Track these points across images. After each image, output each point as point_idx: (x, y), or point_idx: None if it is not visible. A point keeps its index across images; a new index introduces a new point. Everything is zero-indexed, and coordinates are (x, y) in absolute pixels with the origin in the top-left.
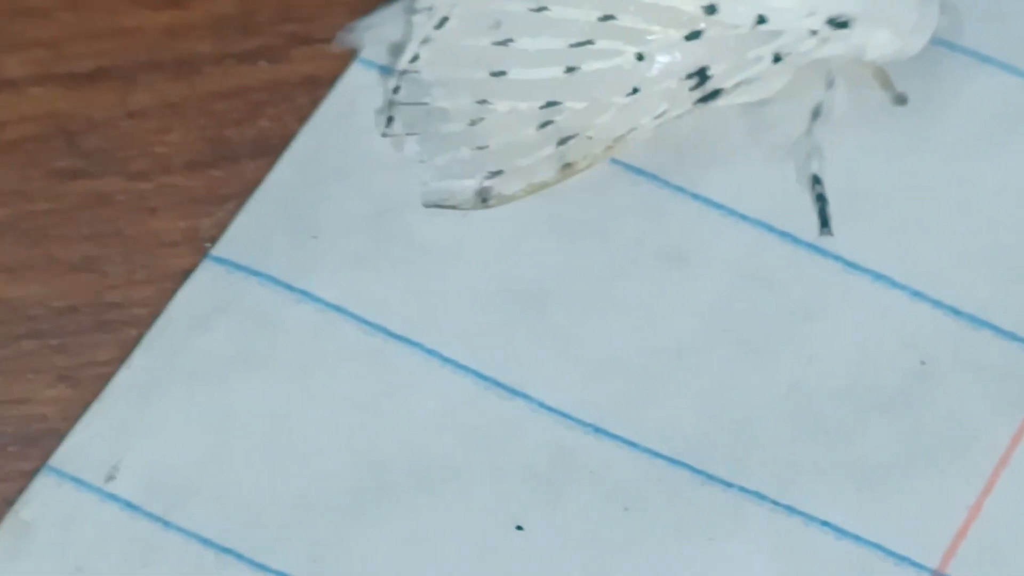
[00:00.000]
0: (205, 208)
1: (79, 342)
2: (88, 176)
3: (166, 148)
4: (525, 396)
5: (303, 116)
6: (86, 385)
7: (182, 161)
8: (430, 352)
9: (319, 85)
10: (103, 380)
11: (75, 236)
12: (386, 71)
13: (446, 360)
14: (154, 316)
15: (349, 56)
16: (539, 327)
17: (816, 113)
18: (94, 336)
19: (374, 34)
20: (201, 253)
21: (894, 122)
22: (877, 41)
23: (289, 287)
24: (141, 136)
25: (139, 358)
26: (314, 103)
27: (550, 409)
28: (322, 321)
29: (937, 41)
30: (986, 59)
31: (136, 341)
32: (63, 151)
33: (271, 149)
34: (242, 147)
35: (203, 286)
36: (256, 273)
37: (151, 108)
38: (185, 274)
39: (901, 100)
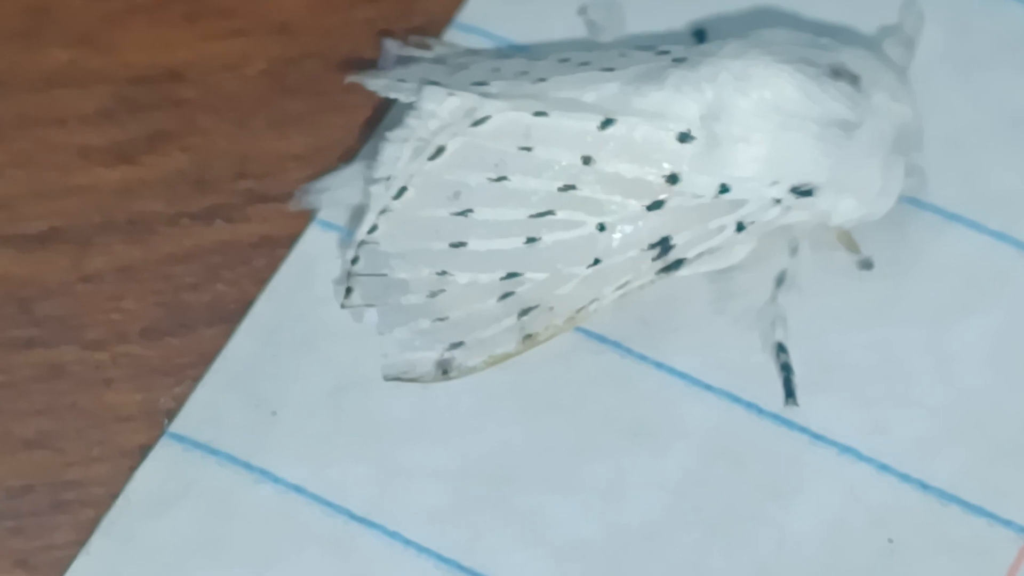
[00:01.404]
0: (162, 379)
1: (36, 524)
2: (42, 345)
3: (121, 315)
4: None
5: (260, 279)
6: (44, 570)
7: (138, 329)
8: (392, 534)
9: (276, 246)
10: (61, 564)
11: (29, 410)
12: (344, 233)
13: (408, 543)
14: (111, 496)
15: (306, 215)
16: (503, 506)
17: (780, 280)
18: (51, 518)
19: (331, 196)
20: (158, 428)
21: (861, 286)
22: (842, 207)
23: (248, 466)
24: (96, 303)
25: (97, 543)
26: (271, 265)
27: None
28: (282, 503)
29: (904, 199)
30: (953, 217)
31: (94, 523)
32: (15, 319)
33: (228, 315)
34: (199, 313)
35: (161, 466)
36: (214, 452)
37: (105, 272)
38: (142, 450)
39: (867, 265)
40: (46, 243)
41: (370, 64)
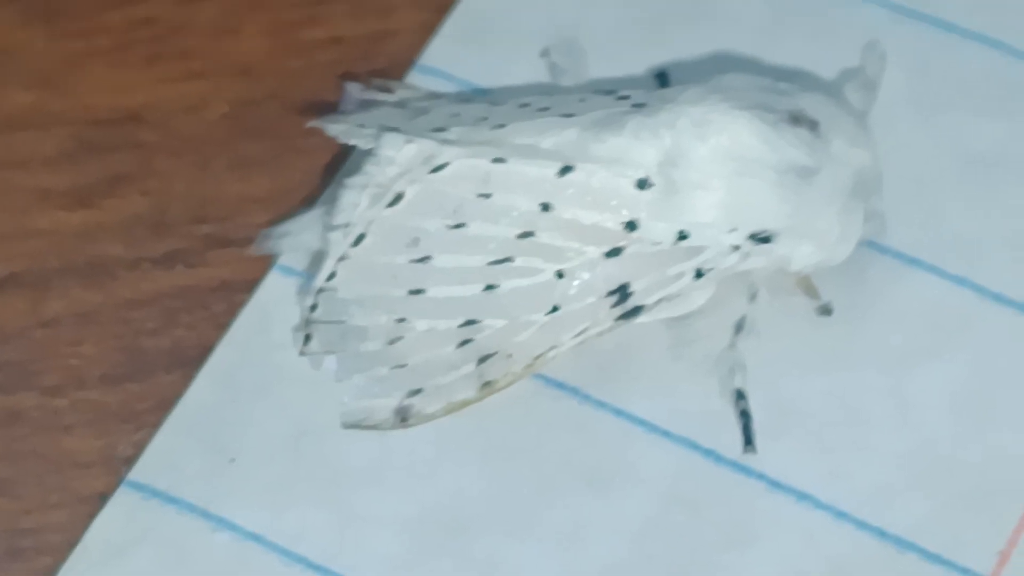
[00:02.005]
0: (120, 425)
1: None
2: (0, 392)
3: (80, 361)
4: None
5: (220, 325)
6: None
7: (97, 374)
8: None
9: (236, 291)
10: None
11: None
12: (304, 278)
13: None
14: (69, 543)
15: (266, 260)
16: (461, 554)
17: (739, 326)
18: (7, 565)
19: (291, 241)
20: (116, 474)
21: (820, 332)
22: (800, 253)
23: (206, 514)
24: (54, 348)
25: None
26: (230, 311)
27: None
28: (240, 551)
29: (864, 243)
30: (913, 261)
31: (51, 570)
32: None
33: (188, 361)
34: (158, 359)
35: (119, 513)
36: (173, 500)
37: (64, 317)
38: (101, 497)
39: (826, 311)
40: (4, 287)
41: (331, 107)
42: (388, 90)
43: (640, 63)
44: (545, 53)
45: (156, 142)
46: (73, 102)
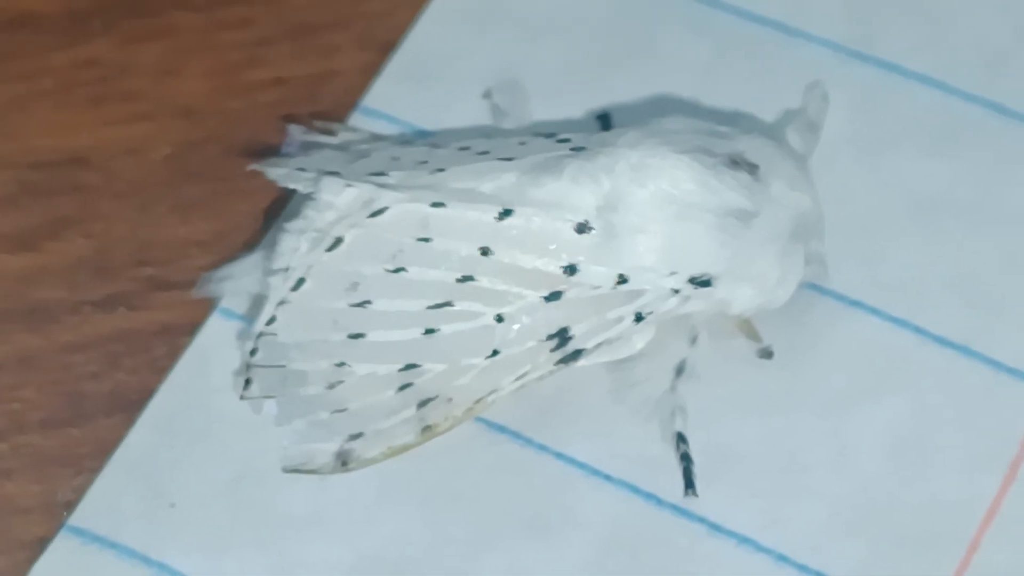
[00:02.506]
0: (60, 470)
1: None
2: None
3: (21, 405)
4: None
5: (160, 368)
6: None
7: (37, 419)
8: None
9: (177, 334)
10: None
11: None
12: (244, 322)
13: None
14: None
15: (207, 303)
16: None
17: (679, 370)
18: None
19: (233, 284)
20: (56, 519)
21: (761, 375)
22: (740, 296)
23: (146, 560)
24: None
25: None
26: (172, 354)
27: None
28: None
29: (805, 285)
30: (855, 303)
31: None
32: None
33: (128, 405)
34: (99, 403)
35: (59, 559)
36: (112, 545)
37: (5, 362)
38: (40, 542)
39: (767, 354)
40: None
41: (273, 149)
42: (330, 132)
43: (582, 105)
44: (487, 95)
45: (99, 185)
46: (16, 145)
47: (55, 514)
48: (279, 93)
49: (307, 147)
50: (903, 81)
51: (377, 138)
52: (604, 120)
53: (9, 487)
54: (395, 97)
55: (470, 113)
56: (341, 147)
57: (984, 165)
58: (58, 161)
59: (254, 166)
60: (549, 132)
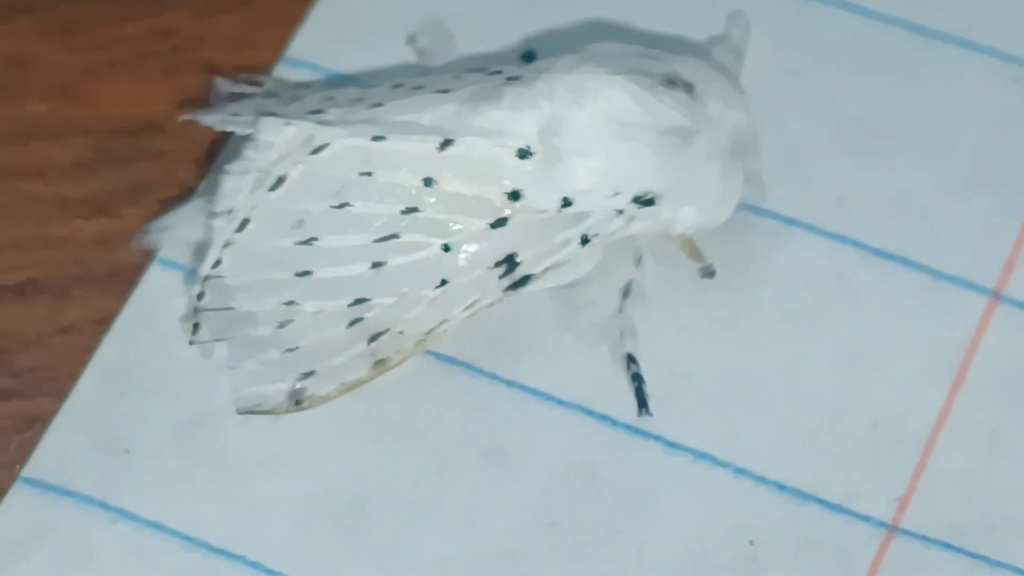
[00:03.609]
0: None
1: None
2: (19, 397)
3: None
4: None
5: None
6: None
7: None
8: (254, 565)
9: None
10: None
11: (6, 461)
12: (186, 270)
13: (271, 572)
14: None
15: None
16: (365, 533)
17: (626, 292)
18: None
19: (171, 234)
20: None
21: (705, 295)
22: (683, 215)
23: (104, 506)
24: (73, 354)
25: None
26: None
27: None
28: (140, 540)
29: (743, 206)
30: (792, 221)
31: None
32: None
33: None
34: None
35: (15, 511)
36: (69, 493)
37: (82, 324)
38: None
39: (709, 273)
40: (23, 294)
41: (204, 103)
42: (256, 83)
43: (506, 41)
44: (412, 39)
45: (174, 152)
46: (91, 112)
47: None
48: None
49: (234, 98)
50: (822, 8)
51: (304, 86)
52: (528, 57)
53: None
54: (318, 46)
55: (395, 58)
56: (270, 94)
57: (907, 85)
58: (133, 128)
59: (185, 116)
60: (479, 67)
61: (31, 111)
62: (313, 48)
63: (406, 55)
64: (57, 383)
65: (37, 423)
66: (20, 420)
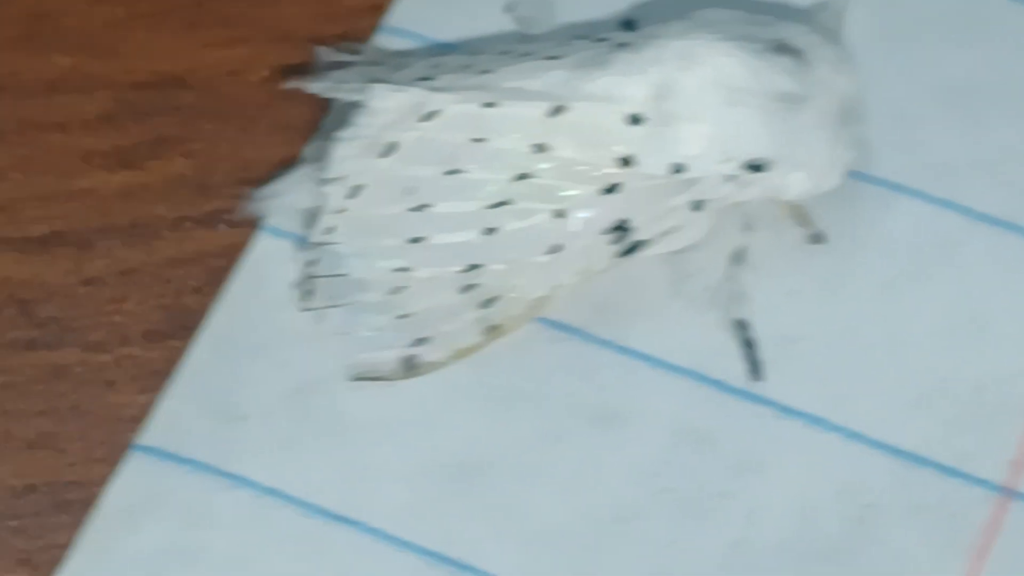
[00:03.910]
0: (164, 381)
1: (38, 524)
2: (44, 347)
3: (123, 317)
4: (473, 570)
5: None
6: (45, 569)
7: (140, 331)
8: (371, 531)
9: None
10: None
11: (31, 411)
12: (294, 239)
13: (389, 538)
14: None
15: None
16: (478, 497)
17: (736, 258)
18: (53, 517)
19: (278, 202)
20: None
21: (813, 260)
22: (793, 181)
23: (220, 473)
24: (97, 305)
25: (75, 561)
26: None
27: None
28: (257, 506)
29: (850, 173)
30: (898, 188)
31: None
32: (17, 321)
33: None
34: (201, 316)
35: (131, 479)
36: (185, 461)
37: (107, 276)
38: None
39: (819, 239)
40: (48, 246)
41: (304, 70)
42: (356, 52)
43: (607, 10)
44: (512, 7)
45: (198, 105)
46: (114, 65)
47: None
48: (376, 18)
49: (334, 68)
50: None
51: (406, 54)
52: (629, 25)
53: (113, 397)
54: (417, 15)
55: (495, 25)
56: (374, 63)
57: (1011, 50)
58: (156, 82)
59: (291, 84)
60: (584, 33)
61: (55, 64)
62: (412, 16)
63: (506, 23)
64: (82, 333)
65: (62, 375)
66: (44, 370)
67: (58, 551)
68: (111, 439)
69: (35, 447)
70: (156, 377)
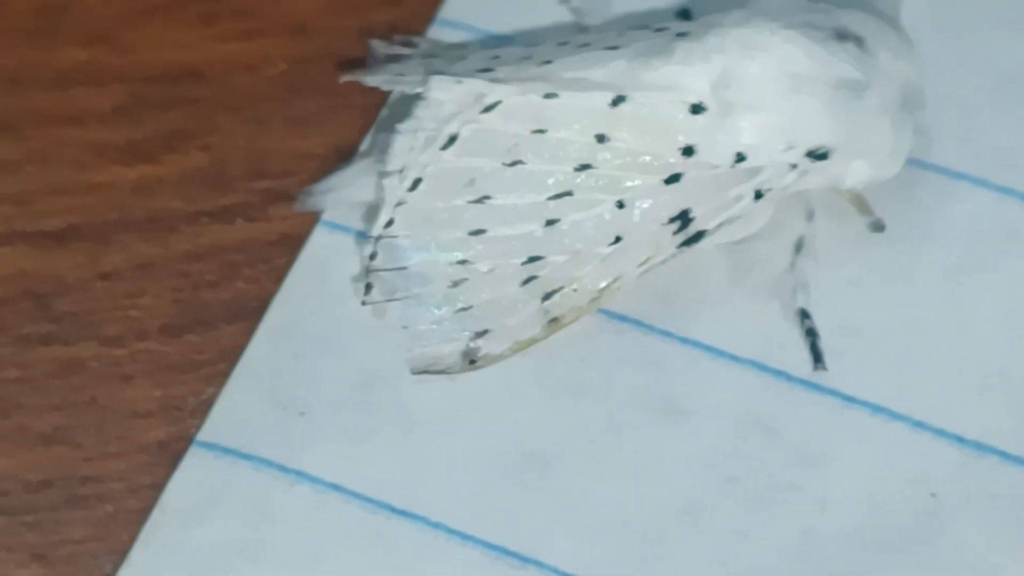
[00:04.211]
0: (181, 376)
1: (53, 519)
2: (60, 342)
3: (140, 312)
4: (537, 563)
5: (280, 277)
6: (60, 564)
7: (156, 326)
8: (435, 525)
9: (296, 244)
10: (77, 559)
11: (46, 405)
12: (351, 232)
13: (452, 532)
14: (129, 491)
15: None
16: (542, 490)
17: (798, 247)
18: (68, 513)
19: (336, 196)
20: (176, 424)
21: (874, 249)
22: (855, 169)
23: (283, 468)
24: (113, 299)
25: (137, 555)
26: (291, 264)
27: (564, 574)
28: (320, 502)
29: (909, 161)
30: (958, 175)
31: (111, 517)
32: (33, 315)
33: (249, 313)
34: (219, 311)
35: (194, 474)
36: (246, 456)
37: (123, 270)
38: (160, 446)
39: (879, 227)
40: (64, 240)
41: (359, 64)
42: (412, 45)
43: (661, 0)
44: None
45: (214, 99)
46: (129, 59)
47: (175, 418)
48: (392, 12)
49: (392, 60)
50: None
51: (462, 46)
52: (684, 14)
53: (129, 392)
54: (472, 6)
55: (549, 16)
56: (429, 55)
57: None
58: (172, 75)
59: (348, 76)
60: (642, 24)
61: (69, 58)
62: (466, 8)
63: (561, 14)
64: (98, 328)
65: (78, 369)
66: (60, 364)
67: (73, 546)
68: (127, 434)
69: (51, 442)
70: (173, 372)
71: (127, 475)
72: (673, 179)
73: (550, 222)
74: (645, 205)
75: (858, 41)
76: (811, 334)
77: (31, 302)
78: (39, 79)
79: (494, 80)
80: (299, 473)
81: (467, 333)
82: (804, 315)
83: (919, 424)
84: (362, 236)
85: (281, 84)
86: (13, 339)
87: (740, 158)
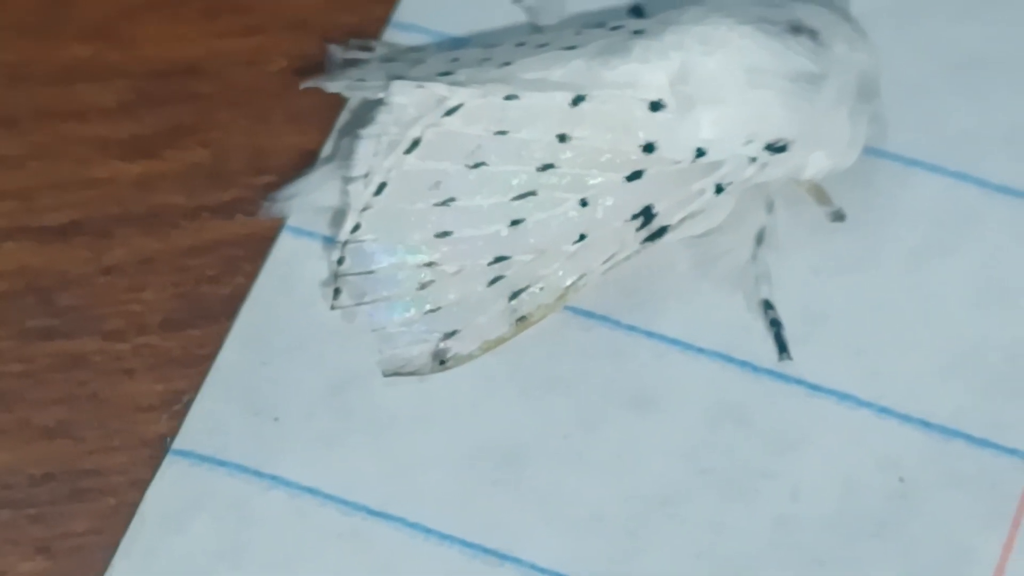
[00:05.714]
0: (182, 370)
1: (56, 512)
2: (62, 336)
3: (141, 306)
4: (515, 560)
5: None
6: (63, 557)
7: (157, 320)
8: (412, 525)
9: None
10: (80, 552)
11: (49, 399)
12: (317, 237)
13: (429, 531)
14: (131, 484)
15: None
16: (518, 487)
17: (760, 238)
18: (71, 506)
19: (300, 201)
20: (178, 418)
21: (834, 238)
22: (813, 160)
23: (258, 474)
24: (115, 294)
25: (118, 566)
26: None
27: (542, 571)
28: (297, 505)
29: (866, 150)
30: (913, 162)
31: (114, 511)
32: (35, 310)
33: None
34: (219, 305)
35: (170, 482)
36: (222, 463)
37: (124, 264)
38: (162, 439)
39: (839, 217)
40: (66, 235)
41: (318, 69)
42: (369, 49)
43: None
44: None
45: (214, 94)
46: (131, 54)
47: (177, 412)
48: (387, 5)
49: (349, 65)
50: None
51: (418, 49)
52: (637, 12)
53: (131, 386)
54: (426, 8)
55: (504, 18)
56: (388, 59)
57: (1019, 22)
58: (172, 71)
59: (307, 84)
60: (598, 22)
61: (72, 53)
62: (421, 11)
63: (515, 15)
64: (100, 322)
65: (80, 363)
66: (62, 359)
67: (75, 539)
68: (129, 428)
69: (53, 436)
70: (174, 366)
71: (129, 468)
72: (635, 176)
73: (515, 222)
74: (608, 202)
75: (812, 34)
76: (775, 324)
77: (33, 297)
78: (41, 74)
79: (455, 83)
80: (275, 478)
81: (436, 334)
82: (767, 306)
83: (885, 410)
84: (328, 241)
85: (281, 80)
86: (16, 333)
87: (700, 153)
